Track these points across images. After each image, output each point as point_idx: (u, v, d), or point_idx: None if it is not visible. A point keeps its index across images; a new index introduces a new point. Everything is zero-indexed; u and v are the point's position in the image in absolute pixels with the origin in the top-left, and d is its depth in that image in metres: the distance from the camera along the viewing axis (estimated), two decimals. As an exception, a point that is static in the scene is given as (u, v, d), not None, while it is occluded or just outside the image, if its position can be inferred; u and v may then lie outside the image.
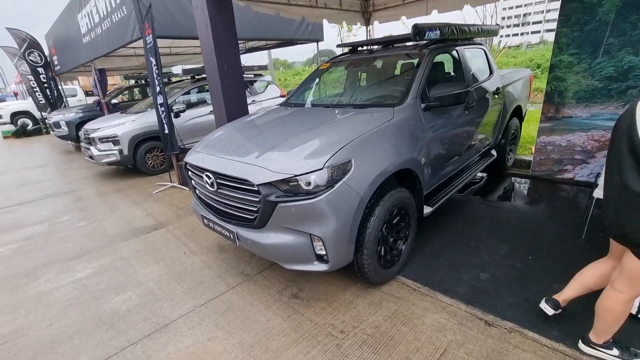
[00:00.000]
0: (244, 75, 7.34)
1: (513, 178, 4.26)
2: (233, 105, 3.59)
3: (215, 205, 2.35)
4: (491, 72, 3.72)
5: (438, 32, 2.68)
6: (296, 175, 1.84)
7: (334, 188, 1.86)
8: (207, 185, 2.24)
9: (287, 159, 1.94)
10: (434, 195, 2.92)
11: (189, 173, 2.54)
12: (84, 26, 6.37)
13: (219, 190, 2.19)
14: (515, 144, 4.63)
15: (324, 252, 1.94)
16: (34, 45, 10.52)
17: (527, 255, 2.58)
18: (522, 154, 4.82)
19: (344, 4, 5.04)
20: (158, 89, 4.50)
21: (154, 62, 4.37)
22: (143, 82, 9.12)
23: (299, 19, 4.55)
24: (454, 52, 3.19)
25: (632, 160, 1.32)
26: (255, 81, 7.53)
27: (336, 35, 11.01)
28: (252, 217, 2.06)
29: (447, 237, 2.94)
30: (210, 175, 2.18)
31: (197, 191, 2.55)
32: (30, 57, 10.53)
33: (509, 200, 3.64)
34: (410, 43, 3.26)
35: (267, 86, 7.64)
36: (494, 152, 3.95)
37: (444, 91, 2.46)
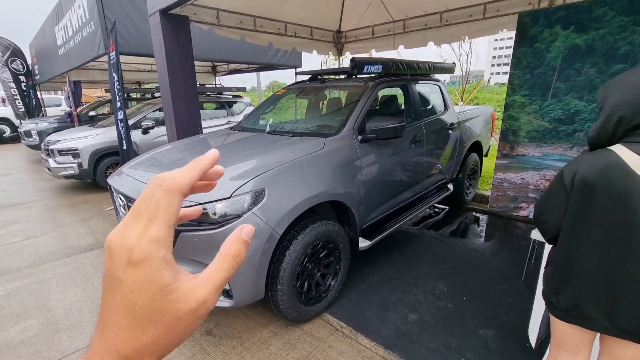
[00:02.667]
0: (222, 96, 7.55)
1: (470, 213, 4.22)
2: (184, 125, 3.53)
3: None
4: (446, 108, 3.77)
5: (380, 66, 2.70)
6: (200, 203, 1.74)
7: (242, 218, 1.77)
8: (121, 209, 2.13)
9: (195, 185, 1.85)
10: (379, 227, 2.84)
11: (113, 195, 2.42)
12: (60, 38, 6.37)
13: (130, 214, 2.07)
14: (475, 179, 4.64)
15: (228, 287, 1.81)
16: (17, 53, 10.50)
17: (462, 296, 2.48)
18: (484, 188, 4.82)
19: (315, 34, 5.16)
20: (119, 104, 4.43)
21: (116, 78, 4.33)
22: (126, 95, 9.08)
23: (265, 45, 4.59)
24: (404, 87, 3.23)
25: None
26: (235, 102, 7.62)
27: (322, 62, 11.26)
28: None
29: (387, 272, 2.83)
30: (122, 199, 2.07)
31: (120, 215, 2.42)
32: (12, 65, 10.47)
33: (460, 236, 3.57)
34: (364, 76, 3.29)
35: (245, 108, 7.73)
36: (450, 186, 3.93)
37: (379, 124, 2.44)
